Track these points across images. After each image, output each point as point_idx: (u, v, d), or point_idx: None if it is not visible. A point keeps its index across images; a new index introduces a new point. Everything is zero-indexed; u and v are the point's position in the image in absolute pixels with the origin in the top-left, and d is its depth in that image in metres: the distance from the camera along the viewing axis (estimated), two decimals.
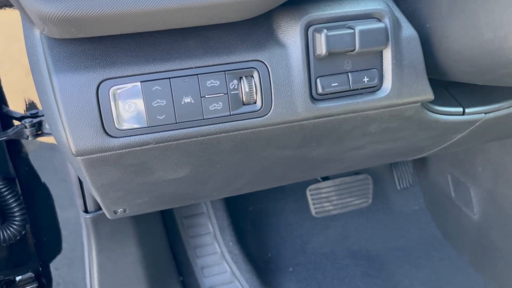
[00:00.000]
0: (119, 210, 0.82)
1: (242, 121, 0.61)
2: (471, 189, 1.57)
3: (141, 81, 0.56)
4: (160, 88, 0.57)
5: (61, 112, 0.55)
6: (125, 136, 0.58)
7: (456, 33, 0.61)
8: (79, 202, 1.01)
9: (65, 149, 0.62)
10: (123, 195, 0.74)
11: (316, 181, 1.67)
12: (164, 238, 1.36)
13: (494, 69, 0.61)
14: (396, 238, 1.74)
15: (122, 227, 1.11)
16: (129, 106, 0.57)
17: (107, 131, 0.57)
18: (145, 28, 0.54)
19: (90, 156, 0.58)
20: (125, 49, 0.57)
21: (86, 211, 1.03)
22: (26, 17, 0.54)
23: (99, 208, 1.04)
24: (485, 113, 0.82)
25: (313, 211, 1.67)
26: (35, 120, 1.01)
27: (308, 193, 1.65)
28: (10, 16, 0.96)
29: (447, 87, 0.82)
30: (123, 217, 1.12)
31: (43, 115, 1.02)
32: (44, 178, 1.14)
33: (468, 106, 0.80)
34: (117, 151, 0.59)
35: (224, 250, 1.50)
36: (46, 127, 1.02)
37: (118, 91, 0.56)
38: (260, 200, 1.71)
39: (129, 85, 0.56)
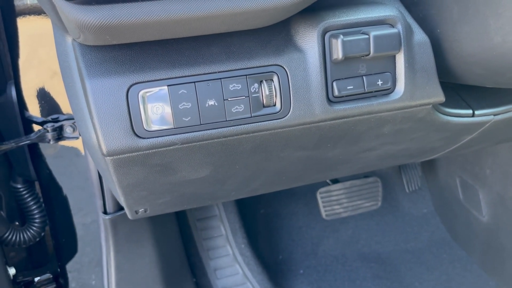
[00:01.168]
0: (140, 210, 0.86)
1: (262, 123, 0.64)
2: (479, 192, 1.59)
3: (168, 85, 0.60)
4: (185, 92, 0.60)
5: (93, 115, 0.59)
6: (153, 137, 0.61)
7: (466, 38, 0.64)
8: (99, 203, 1.04)
9: (94, 150, 0.65)
10: (146, 195, 0.77)
11: (326, 184, 1.70)
12: (179, 240, 1.39)
13: (504, 72, 0.63)
14: (406, 240, 1.76)
15: (139, 229, 1.14)
16: (157, 108, 0.60)
17: (136, 132, 0.60)
18: (172, 35, 0.57)
19: (119, 156, 0.62)
20: (152, 55, 0.60)
21: (105, 212, 1.06)
22: (59, 25, 0.58)
23: (118, 210, 1.07)
24: (494, 115, 0.84)
25: (323, 214, 1.69)
26: (56, 125, 1.05)
27: (318, 196, 1.68)
28: (31, 22, 1.00)
29: (457, 89, 0.85)
30: (140, 219, 1.15)
31: (64, 120, 1.06)
32: (63, 181, 1.17)
33: (478, 108, 0.83)
34: (145, 152, 0.62)
35: (236, 252, 1.53)
36: (67, 131, 1.06)
37: (147, 94, 0.59)
38: (272, 203, 1.74)
39: (157, 89, 0.59)
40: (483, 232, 1.62)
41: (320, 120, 0.66)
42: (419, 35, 0.68)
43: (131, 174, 0.67)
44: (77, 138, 1.05)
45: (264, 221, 1.72)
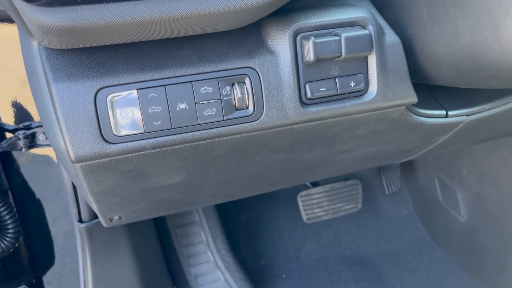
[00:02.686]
0: (114, 218, 0.84)
1: (235, 126, 0.63)
2: (458, 192, 1.61)
3: (137, 89, 0.58)
4: (155, 95, 0.59)
5: (60, 120, 0.57)
6: (123, 142, 0.59)
7: (436, 39, 0.65)
8: (74, 211, 1.02)
9: (63, 156, 0.63)
10: (119, 202, 0.76)
11: (306, 187, 1.70)
12: (158, 247, 1.37)
13: (473, 72, 0.64)
14: (387, 242, 1.77)
15: (117, 236, 1.12)
16: (126, 113, 0.59)
17: (105, 137, 0.59)
18: (141, 37, 0.56)
19: (88, 162, 0.60)
20: (121, 58, 0.59)
21: (80, 220, 1.04)
22: (24, 29, 0.56)
23: (94, 218, 1.05)
24: (467, 115, 0.85)
25: (304, 217, 1.69)
26: (28, 132, 1.02)
27: (299, 199, 1.68)
28: (3, 30, 0.97)
29: (430, 90, 0.86)
30: (118, 226, 1.13)
31: (36, 127, 1.03)
32: (37, 189, 1.14)
33: (451, 109, 0.84)
34: (114, 157, 0.61)
35: (217, 258, 1.51)
36: (40, 138, 1.04)
37: (115, 98, 0.58)
38: (253, 208, 1.73)
39: (126, 93, 0.58)
40: (462, 232, 1.64)
41: (293, 122, 0.66)
42: (391, 36, 0.68)
43: (102, 181, 0.66)
44: (50, 145, 1.02)
45: (245, 226, 1.71)
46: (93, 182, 0.65)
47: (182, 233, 1.49)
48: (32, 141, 1.02)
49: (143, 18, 0.50)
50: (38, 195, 1.14)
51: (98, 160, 0.60)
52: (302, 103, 0.65)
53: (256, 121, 0.64)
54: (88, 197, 0.72)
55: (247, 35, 0.63)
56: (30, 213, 1.17)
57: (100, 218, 0.83)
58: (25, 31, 0.58)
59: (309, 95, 0.65)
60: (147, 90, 0.59)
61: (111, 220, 0.84)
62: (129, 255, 1.17)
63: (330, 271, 1.67)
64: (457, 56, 0.63)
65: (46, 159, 1.09)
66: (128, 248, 1.16)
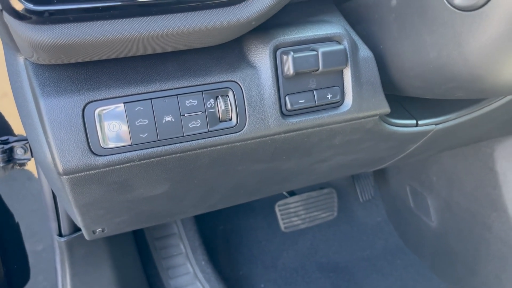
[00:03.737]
0: (97, 230, 0.84)
1: (219, 137, 0.66)
2: (428, 199, 1.67)
3: (124, 102, 0.60)
4: (142, 109, 0.61)
5: (48, 134, 0.58)
6: (110, 155, 0.61)
7: (406, 53, 0.69)
8: (53, 225, 1.02)
9: (49, 169, 0.64)
10: (103, 214, 0.77)
11: (284, 197, 1.73)
12: (137, 260, 1.37)
13: (440, 84, 0.69)
14: (362, 249, 1.81)
15: (96, 250, 1.12)
16: (114, 126, 0.60)
17: (93, 150, 0.60)
18: (128, 53, 0.58)
19: (76, 175, 0.61)
20: (108, 73, 0.61)
21: (60, 234, 1.04)
22: (10, 44, 0.58)
23: (74, 231, 1.05)
24: (436, 124, 0.90)
25: (282, 226, 1.72)
26: (6, 147, 1.01)
27: (276, 209, 1.71)
28: None
29: (401, 101, 0.91)
30: (98, 239, 1.13)
31: (14, 141, 1.03)
32: (14, 205, 1.13)
33: (421, 119, 0.89)
34: (102, 169, 0.62)
35: (196, 270, 1.52)
36: (18, 153, 1.03)
37: (103, 112, 0.60)
38: (230, 219, 1.75)
39: (113, 106, 0.60)
40: (433, 237, 1.70)
41: (274, 133, 0.69)
42: (364, 51, 0.72)
43: (88, 193, 0.67)
44: (28, 159, 1.02)
45: (223, 237, 1.72)
46: (79, 194, 0.67)
47: (161, 246, 1.49)
48: (10, 156, 1.01)
49: (132, 35, 0.53)
50: (15, 211, 1.13)
51: (86, 173, 0.62)
52: (283, 114, 0.68)
53: (239, 132, 0.66)
54: (72, 210, 0.73)
55: (229, 50, 0.66)
56: (7, 229, 1.15)
57: (83, 231, 0.83)
58: (12, 47, 0.59)
59: (289, 106, 0.68)
60: (134, 104, 0.61)
61: (94, 232, 0.85)
62: (109, 268, 1.17)
63: (307, 279, 1.70)
64: (425, 69, 0.68)
65: (25, 173, 1.08)
66: (108, 261, 1.16)
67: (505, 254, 1.42)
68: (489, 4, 0.55)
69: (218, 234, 1.71)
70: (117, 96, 0.60)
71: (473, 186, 1.48)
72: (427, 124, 0.89)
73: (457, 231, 1.59)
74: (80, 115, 0.59)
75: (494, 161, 1.38)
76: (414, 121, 0.88)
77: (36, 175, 1.05)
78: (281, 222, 1.71)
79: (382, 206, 1.93)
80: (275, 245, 1.75)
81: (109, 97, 0.60)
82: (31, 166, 1.06)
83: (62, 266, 1.08)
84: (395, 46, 0.71)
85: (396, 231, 1.87)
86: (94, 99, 0.59)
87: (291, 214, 1.72)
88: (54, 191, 0.93)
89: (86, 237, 0.86)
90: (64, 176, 0.61)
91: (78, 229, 1.05)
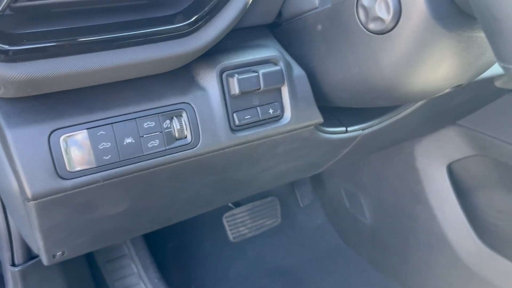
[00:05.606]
0: (57, 254, 0.87)
1: (176, 154, 0.72)
2: (361, 198, 1.82)
3: (87, 128, 0.65)
4: (104, 133, 0.66)
5: (15, 162, 0.62)
6: (76, 177, 0.66)
7: (333, 69, 0.81)
8: (7, 255, 1.01)
9: (12, 197, 0.68)
10: (66, 236, 0.80)
11: (230, 209, 1.80)
12: (91, 284, 1.37)
13: (363, 94, 0.80)
14: (306, 251, 1.92)
15: (51, 276, 1.12)
16: (78, 150, 0.65)
17: (60, 174, 0.64)
18: (89, 83, 0.64)
19: (43, 199, 0.65)
20: (70, 102, 0.66)
21: (13, 264, 1.03)
22: None
23: (28, 260, 1.05)
24: (363, 130, 1.03)
25: (231, 237, 1.79)
26: None
27: (224, 220, 1.77)
28: None
29: (332, 111, 1.02)
30: (52, 267, 1.13)
31: None
32: None
33: (349, 125, 1.01)
34: (68, 192, 0.66)
35: None
36: None
37: (68, 138, 0.64)
38: (179, 235, 1.79)
39: (77, 133, 0.65)
40: (368, 233, 1.85)
41: (225, 146, 0.77)
42: (297, 70, 0.82)
43: (53, 216, 0.70)
44: None
45: (174, 254, 1.75)
46: (45, 218, 0.70)
47: (113, 268, 1.50)
48: None
49: (99, 67, 0.58)
50: None
51: (53, 196, 0.66)
52: (232, 129, 0.76)
53: (194, 148, 0.74)
54: (36, 234, 0.75)
55: (180, 75, 0.74)
56: None
57: (43, 256, 0.85)
58: None
59: (237, 122, 0.76)
60: (96, 129, 0.66)
61: (54, 256, 0.87)
62: None
63: (257, 285, 1.78)
64: (350, 82, 0.80)
65: None
66: (64, 287, 1.16)
67: (431, 242, 1.59)
68: (395, 29, 0.68)
69: (168, 251, 1.74)
70: (80, 123, 0.65)
71: (398, 183, 1.65)
72: (355, 130, 1.02)
73: (388, 226, 1.75)
74: (46, 142, 0.63)
75: (414, 159, 1.55)
76: (343, 128, 1.00)
77: None
78: (229, 233, 1.78)
79: (321, 209, 2.06)
80: (224, 256, 1.82)
81: (73, 124, 0.65)
82: None
83: None
84: (323, 64, 0.82)
85: (335, 231, 2.01)
86: (58, 127, 0.64)
87: (238, 224, 1.79)
88: (13, 220, 0.94)
89: (45, 262, 0.88)
90: (32, 202, 0.65)
91: (32, 257, 1.05)
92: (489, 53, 0.74)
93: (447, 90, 0.80)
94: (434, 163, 1.51)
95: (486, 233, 1.47)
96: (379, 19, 0.68)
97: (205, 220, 1.84)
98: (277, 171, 1.00)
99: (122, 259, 1.53)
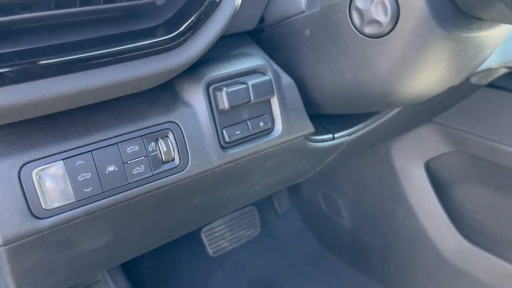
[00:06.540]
0: None
1: (164, 179, 0.65)
2: (338, 201, 1.80)
3: (63, 159, 0.57)
4: (83, 162, 0.59)
5: None
6: (54, 215, 0.57)
7: (324, 76, 0.76)
8: None
9: None
10: (41, 277, 0.71)
11: (208, 222, 1.73)
12: None
13: (357, 101, 0.76)
14: (285, 258, 1.88)
15: None
16: (54, 184, 0.57)
17: (34, 214, 0.56)
18: (62, 108, 0.56)
19: (16, 243, 0.57)
20: (40, 130, 0.57)
21: None
22: None
23: None
24: (349, 135, 0.99)
25: (210, 252, 1.72)
26: None
27: (202, 235, 1.70)
28: None
29: (316, 118, 0.98)
30: None
31: None
32: None
33: (336, 132, 0.97)
34: (45, 232, 0.58)
35: None
36: None
37: (42, 172, 0.56)
38: (154, 254, 1.70)
39: (52, 164, 0.57)
40: (347, 235, 1.83)
41: (216, 166, 0.70)
42: (285, 79, 0.77)
43: (27, 259, 0.62)
44: None
45: (150, 274, 1.66)
46: (18, 262, 0.61)
47: None
48: None
49: (73, 90, 0.51)
50: None
51: (27, 239, 0.57)
52: (222, 147, 0.70)
53: (183, 171, 0.67)
54: (7, 280, 0.66)
55: (163, 92, 0.67)
56: None
57: None
58: None
59: (227, 139, 0.70)
60: (74, 159, 0.58)
61: None
62: None
63: None
64: (343, 89, 0.75)
65: None
66: None
67: (412, 240, 1.59)
68: (393, 32, 0.64)
69: (144, 272, 1.65)
70: (55, 153, 0.57)
71: (376, 183, 1.63)
72: (342, 136, 0.98)
73: (368, 226, 1.73)
74: (16, 179, 0.55)
75: (391, 158, 1.54)
76: (331, 135, 0.96)
77: None
78: (208, 248, 1.71)
79: (298, 214, 2.02)
80: (203, 271, 1.74)
81: (46, 155, 0.56)
82: None
83: None
84: (313, 71, 0.78)
85: (313, 235, 1.98)
86: (29, 159, 0.55)
87: (217, 238, 1.73)
88: None
89: None
90: (3, 247, 0.56)
91: None
92: (483, 52, 0.72)
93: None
94: (411, 161, 1.50)
95: (466, 228, 1.48)
96: (375, 22, 0.64)
97: (180, 236, 1.76)
98: (265, 184, 0.94)
99: (97, 285, 1.42)
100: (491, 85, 1.28)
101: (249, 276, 1.79)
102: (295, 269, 1.84)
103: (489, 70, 1.12)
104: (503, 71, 1.19)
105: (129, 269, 1.53)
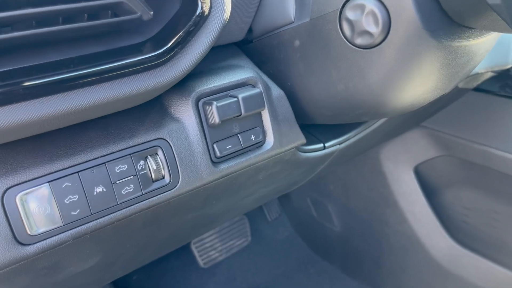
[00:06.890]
0: None
1: (154, 198, 0.63)
2: (328, 206, 1.79)
3: (48, 181, 0.55)
4: (70, 184, 0.56)
5: None
6: (40, 241, 0.55)
7: (314, 87, 0.75)
8: None
9: None
10: None
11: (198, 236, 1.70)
12: None
13: (349, 111, 0.75)
14: (276, 266, 1.86)
15: None
16: (40, 208, 0.55)
17: (19, 240, 0.54)
18: (47, 129, 0.54)
19: (1, 271, 0.54)
20: (24, 152, 0.55)
21: None
22: None
23: None
24: (339, 144, 0.98)
25: (201, 263, 1.69)
26: None
27: (193, 246, 1.67)
28: None
29: (307, 128, 0.97)
30: None
31: None
32: None
33: (327, 141, 0.96)
34: (30, 259, 0.56)
35: None
36: None
37: (26, 196, 0.54)
38: (143, 267, 1.66)
39: (37, 188, 0.54)
40: (338, 240, 1.82)
41: (207, 182, 0.69)
42: (276, 90, 0.76)
43: (14, 285, 0.59)
44: None
45: (139, 287, 1.63)
46: None
47: None
48: None
49: (56, 114, 0.49)
50: None
51: (12, 266, 0.55)
52: (213, 162, 0.69)
53: (174, 189, 0.65)
54: None
55: (150, 108, 0.65)
56: None
57: None
58: None
59: (218, 154, 0.68)
60: (60, 181, 0.56)
61: None
62: None
63: None
64: (334, 100, 0.74)
65: None
66: None
67: (403, 244, 1.59)
68: (384, 42, 0.63)
69: (133, 285, 1.62)
70: (39, 175, 0.55)
71: (366, 188, 1.63)
72: (333, 145, 0.97)
73: (359, 231, 1.73)
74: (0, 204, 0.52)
75: (380, 163, 1.54)
76: (321, 145, 0.95)
77: None
78: (199, 259, 1.68)
79: (288, 221, 2.01)
80: (193, 282, 1.72)
81: (30, 178, 0.54)
82: None
83: None
84: (303, 82, 0.76)
85: (304, 241, 1.97)
86: (13, 184, 0.53)
87: (208, 249, 1.70)
88: None
89: None
90: None
91: None
92: (473, 60, 0.72)
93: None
94: (401, 166, 1.50)
95: (456, 231, 1.48)
96: (366, 33, 0.63)
97: None
98: (257, 196, 0.93)
99: None
100: (478, 89, 1.29)
101: (240, 285, 1.77)
102: (287, 277, 1.83)
103: (476, 74, 1.12)
104: (489, 75, 1.20)
105: (118, 282, 1.50)
